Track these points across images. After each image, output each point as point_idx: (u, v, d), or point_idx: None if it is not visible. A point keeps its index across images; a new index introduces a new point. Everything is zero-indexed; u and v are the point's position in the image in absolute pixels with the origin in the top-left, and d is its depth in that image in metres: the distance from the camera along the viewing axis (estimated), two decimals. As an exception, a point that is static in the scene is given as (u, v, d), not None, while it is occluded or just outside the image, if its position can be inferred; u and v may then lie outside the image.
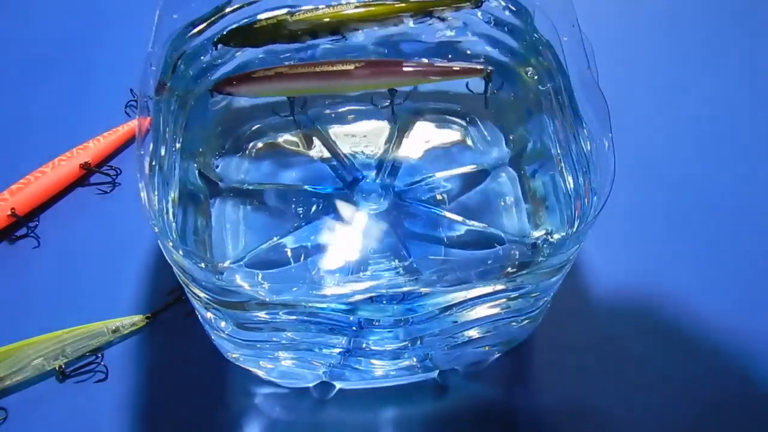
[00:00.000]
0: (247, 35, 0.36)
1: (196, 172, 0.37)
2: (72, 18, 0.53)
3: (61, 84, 0.49)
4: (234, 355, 0.35)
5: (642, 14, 0.54)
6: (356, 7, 0.35)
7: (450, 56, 0.39)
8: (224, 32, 0.36)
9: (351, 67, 0.35)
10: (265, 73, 0.35)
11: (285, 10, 0.37)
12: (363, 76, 0.35)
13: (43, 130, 0.48)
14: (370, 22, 0.36)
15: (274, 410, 0.38)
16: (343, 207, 0.37)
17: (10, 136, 0.47)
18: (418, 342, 0.33)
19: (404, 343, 0.33)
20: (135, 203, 0.29)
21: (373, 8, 0.35)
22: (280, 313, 0.31)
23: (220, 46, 0.37)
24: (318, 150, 0.40)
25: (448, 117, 0.40)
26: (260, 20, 0.36)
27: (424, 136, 0.40)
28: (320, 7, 0.36)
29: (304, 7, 0.36)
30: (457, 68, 0.36)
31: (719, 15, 0.54)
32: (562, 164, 0.35)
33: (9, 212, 0.42)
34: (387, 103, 0.40)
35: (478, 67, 0.35)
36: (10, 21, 0.53)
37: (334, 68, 0.35)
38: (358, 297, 0.29)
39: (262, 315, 0.31)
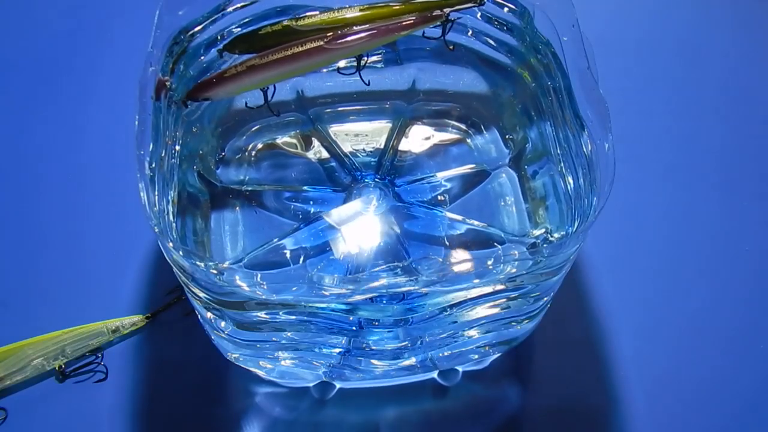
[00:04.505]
0: (253, 42, 0.35)
1: (196, 173, 0.37)
2: (71, 19, 0.53)
3: (61, 84, 0.49)
4: (234, 355, 0.35)
5: (642, 14, 0.54)
6: (361, 10, 0.35)
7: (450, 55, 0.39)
8: (229, 39, 0.36)
9: (320, 43, 0.34)
10: (237, 69, 0.34)
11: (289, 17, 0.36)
12: (334, 49, 0.34)
13: (44, 129, 0.48)
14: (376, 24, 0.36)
15: (274, 410, 0.38)
16: (342, 208, 0.37)
17: (11, 134, 0.47)
18: (418, 342, 0.33)
19: (404, 343, 0.33)
20: (135, 203, 0.29)
21: (377, 11, 0.35)
22: (280, 313, 0.31)
23: (225, 53, 0.36)
24: (317, 151, 0.40)
25: (448, 117, 0.40)
26: (265, 26, 0.35)
27: (424, 136, 0.40)
28: (325, 11, 0.35)
29: (309, 12, 0.36)
30: (418, 19, 0.35)
31: (720, 14, 0.54)
32: (562, 164, 0.35)
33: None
34: (387, 105, 0.40)
35: (437, 13, 0.35)
36: (10, 22, 0.53)
37: (306, 47, 0.34)
38: (357, 297, 0.29)
39: (262, 315, 0.31)
